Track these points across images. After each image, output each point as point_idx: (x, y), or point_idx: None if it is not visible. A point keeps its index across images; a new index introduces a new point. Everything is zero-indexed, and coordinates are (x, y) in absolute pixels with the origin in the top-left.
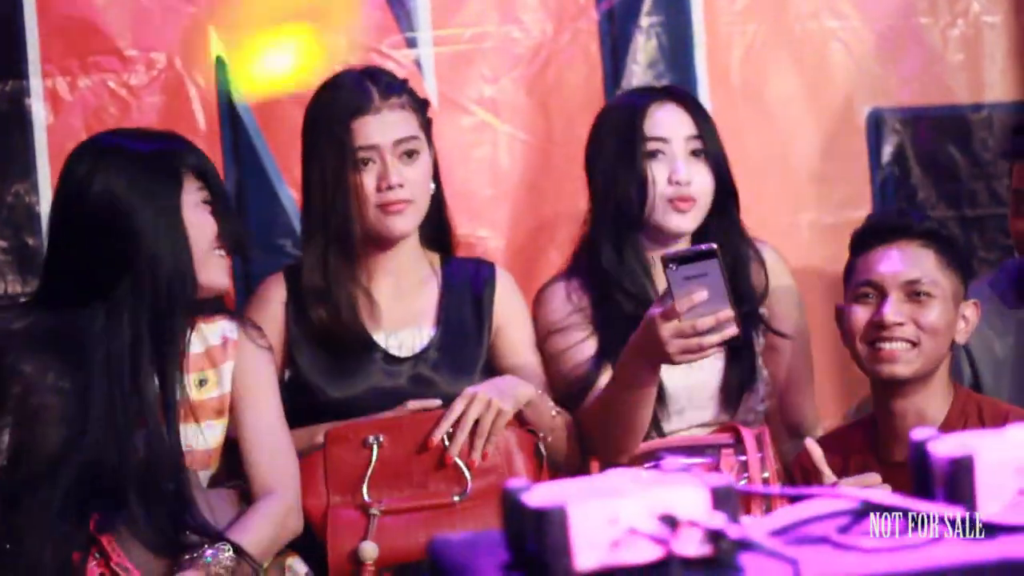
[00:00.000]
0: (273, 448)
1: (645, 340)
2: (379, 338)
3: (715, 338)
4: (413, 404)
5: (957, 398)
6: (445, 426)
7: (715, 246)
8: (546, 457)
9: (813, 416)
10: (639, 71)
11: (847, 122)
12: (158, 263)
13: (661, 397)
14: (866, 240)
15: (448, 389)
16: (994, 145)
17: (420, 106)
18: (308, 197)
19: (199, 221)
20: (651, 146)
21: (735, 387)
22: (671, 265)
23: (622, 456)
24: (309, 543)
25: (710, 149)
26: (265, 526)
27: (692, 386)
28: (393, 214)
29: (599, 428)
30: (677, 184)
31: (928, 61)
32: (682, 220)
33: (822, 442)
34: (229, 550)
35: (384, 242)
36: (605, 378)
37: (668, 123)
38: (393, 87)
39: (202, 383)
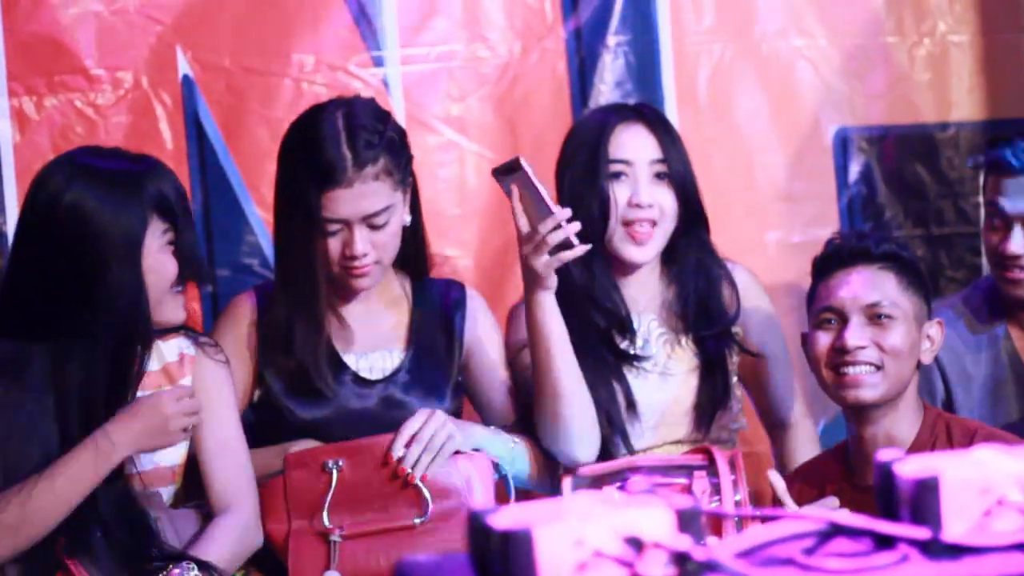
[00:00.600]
0: (231, 463)
1: (524, 274)
2: (349, 360)
3: (559, 234)
4: None
5: (926, 419)
6: (401, 441)
7: (519, 157)
8: (511, 481)
9: (806, 427)
10: (606, 90)
11: (814, 141)
12: (113, 305)
13: (634, 411)
14: (826, 265)
15: (418, 411)
16: (960, 164)
17: (397, 159)
18: (277, 249)
19: (160, 265)
20: (614, 168)
21: (708, 405)
22: (498, 177)
23: (577, 445)
24: (276, 566)
25: (675, 172)
26: (226, 541)
27: (666, 401)
28: (357, 276)
29: (537, 406)
30: (637, 207)
31: (895, 80)
32: (637, 252)
33: (797, 473)
34: (194, 568)
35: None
36: None
37: (633, 146)
38: (371, 147)
39: None
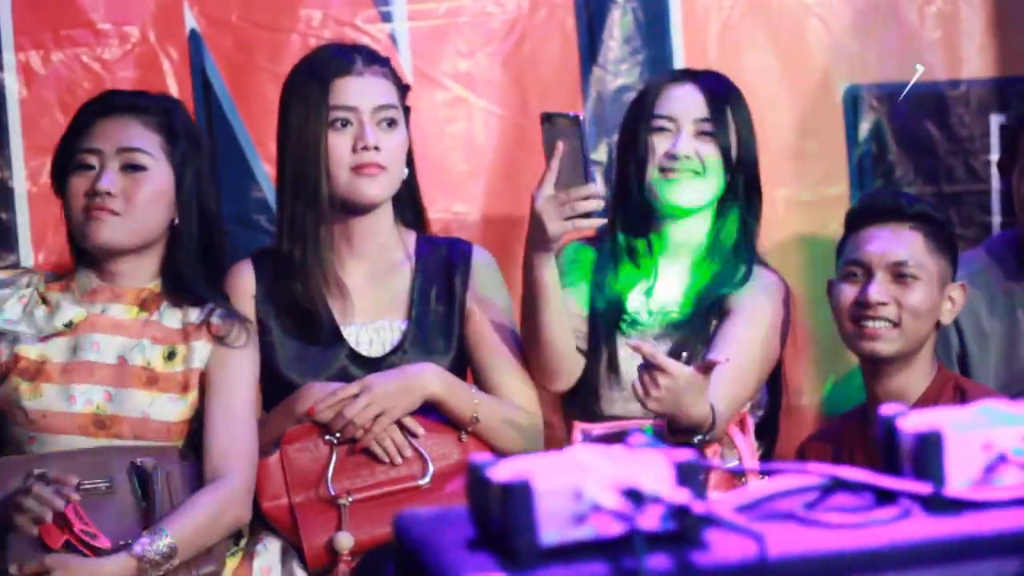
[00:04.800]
0: (231, 434)
1: (531, 226)
2: (349, 334)
3: (588, 204)
4: None
5: (936, 378)
6: (326, 404)
7: (581, 115)
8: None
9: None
10: (615, 46)
11: (824, 98)
12: None
13: (616, 375)
14: (858, 219)
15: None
16: (971, 121)
17: (400, 85)
18: (282, 162)
19: None
20: (658, 123)
21: None
22: (545, 123)
23: (554, 381)
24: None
25: (721, 134)
26: (205, 511)
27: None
28: (366, 177)
29: (529, 353)
30: (673, 157)
31: (905, 37)
32: (672, 192)
33: (818, 433)
34: (165, 535)
35: (356, 211)
36: None
37: (680, 104)
38: (377, 57)
39: (170, 356)
